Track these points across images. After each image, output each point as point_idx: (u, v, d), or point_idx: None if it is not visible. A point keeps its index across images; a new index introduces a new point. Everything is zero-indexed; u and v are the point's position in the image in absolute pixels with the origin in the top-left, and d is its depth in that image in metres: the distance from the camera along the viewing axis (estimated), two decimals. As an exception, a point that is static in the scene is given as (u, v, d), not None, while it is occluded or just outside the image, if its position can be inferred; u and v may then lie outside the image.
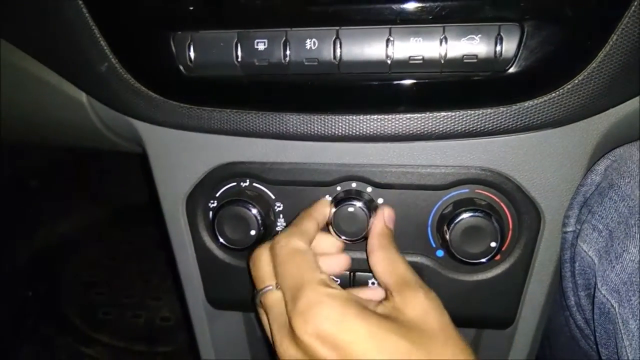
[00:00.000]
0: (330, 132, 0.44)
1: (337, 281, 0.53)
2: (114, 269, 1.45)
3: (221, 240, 0.51)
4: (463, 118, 0.42)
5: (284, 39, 0.41)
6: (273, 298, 0.41)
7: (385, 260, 0.43)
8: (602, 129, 0.44)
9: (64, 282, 1.42)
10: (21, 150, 1.30)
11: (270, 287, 0.42)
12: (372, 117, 0.43)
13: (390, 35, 0.39)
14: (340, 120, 0.44)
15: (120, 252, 1.49)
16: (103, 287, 1.40)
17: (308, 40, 0.40)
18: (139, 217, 1.36)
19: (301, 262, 0.40)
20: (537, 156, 0.45)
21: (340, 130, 0.44)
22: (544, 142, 0.45)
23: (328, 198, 0.51)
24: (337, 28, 0.40)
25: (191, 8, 0.41)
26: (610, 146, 0.46)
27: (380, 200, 0.50)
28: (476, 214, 0.46)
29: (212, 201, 0.54)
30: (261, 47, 0.41)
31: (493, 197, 0.48)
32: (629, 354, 0.39)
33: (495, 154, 0.46)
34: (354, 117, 0.43)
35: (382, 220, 0.47)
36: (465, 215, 0.46)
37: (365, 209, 0.48)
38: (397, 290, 0.40)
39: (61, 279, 1.43)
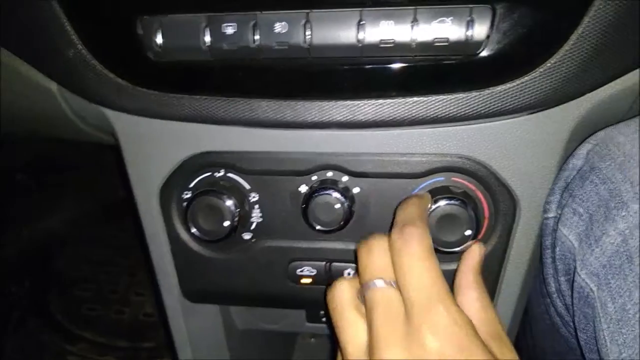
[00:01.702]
0: (300, 118, 0.43)
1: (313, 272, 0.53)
2: (98, 264, 1.44)
3: (194, 231, 0.50)
4: (434, 103, 0.41)
5: (253, 22, 0.40)
6: (390, 295, 0.37)
7: (478, 302, 0.40)
8: (577, 115, 0.44)
9: (49, 277, 1.41)
10: (6, 144, 1.28)
11: (383, 282, 0.38)
12: (343, 102, 0.42)
13: (361, 18, 0.38)
14: (310, 107, 0.43)
15: (105, 246, 1.48)
16: (87, 283, 1.39)
17: (277, 24, 0.39)
18: (125, 211, 1.35)
19: (435, 270, 0.37)
20: (512, 143, 0.45)
21: (311, 117, 0.43)
22: (518, 128, 0.44)
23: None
24: (308, 11, 0.39)
25: None
26: (589, 131, 0.46)
27: (356, 190, 0.50)
28: (451, 202, 0.45)
29: (186, 192, 0.53)
30: (230, 30, 0.40)
31: (469, 184, 0.48)
32: (606, 337, 0.38)
33: (470, 140, 0.45)
34: (325, 103, 0.43)
35: (478, 254, 0.43)
36: (440, 203, 0.45)
37: (341, 198, 0.47)
38: (492, 340, 0.38)
39: (46, 274, 1.41)
